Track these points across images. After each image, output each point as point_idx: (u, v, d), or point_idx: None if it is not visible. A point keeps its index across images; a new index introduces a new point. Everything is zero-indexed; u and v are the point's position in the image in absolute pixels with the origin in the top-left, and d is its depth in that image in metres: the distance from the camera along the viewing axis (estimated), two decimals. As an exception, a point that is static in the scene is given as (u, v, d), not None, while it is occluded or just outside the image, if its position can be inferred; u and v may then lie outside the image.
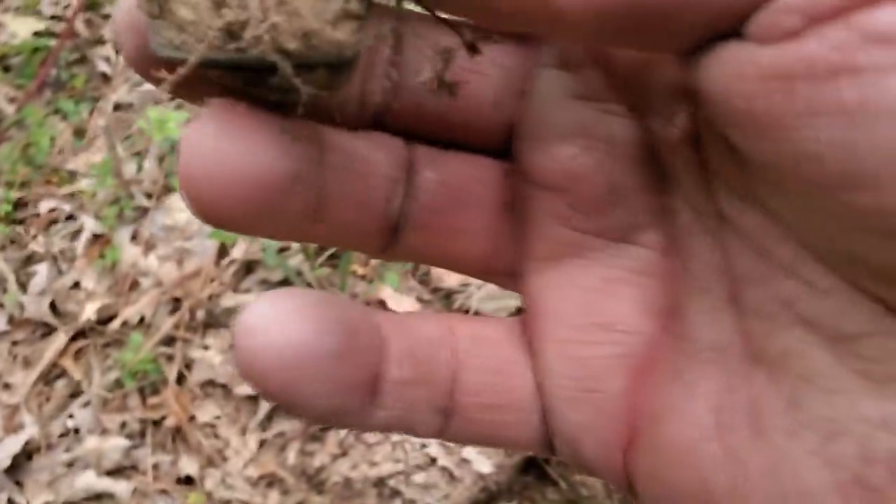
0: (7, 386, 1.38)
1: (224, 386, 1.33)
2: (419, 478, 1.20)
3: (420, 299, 1.32)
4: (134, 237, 1.53)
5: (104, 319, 1.43)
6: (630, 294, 0.24)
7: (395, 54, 0.21)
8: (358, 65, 0.19)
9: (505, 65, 0.24)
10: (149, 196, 1.57)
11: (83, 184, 1.62)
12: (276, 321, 0.20)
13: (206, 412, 1.31)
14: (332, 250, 1.41)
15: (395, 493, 1.20)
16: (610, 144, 0.23)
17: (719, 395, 0.21)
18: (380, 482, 1.20)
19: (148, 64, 0.19)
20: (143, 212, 1.56)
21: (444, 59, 0.22)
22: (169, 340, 1.39)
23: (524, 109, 0.24)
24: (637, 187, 0.23)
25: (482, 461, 1.19)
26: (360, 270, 1.37)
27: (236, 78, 0.19)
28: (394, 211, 0.24)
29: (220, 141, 0.19)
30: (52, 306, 1.45)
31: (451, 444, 1.21)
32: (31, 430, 1.31)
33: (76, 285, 1.48)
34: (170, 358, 1.37)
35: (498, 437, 0.24)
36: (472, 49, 0.21)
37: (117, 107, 1.75)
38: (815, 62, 0.15)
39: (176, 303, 1.42)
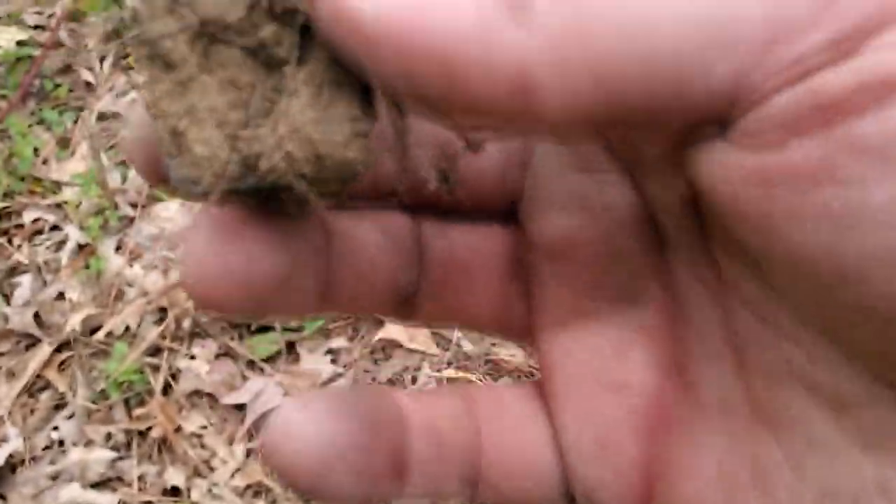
0: (-9, 398, 1.36)
1: (210, 395, 1.33)
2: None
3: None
4: (119, 247, 1.52)
5: (89, 330, 1.42)
6: (639, 354, 0.24)
7: (398, 143, 0.21)
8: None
9: (505, 141, 0.25)
10: (134, 205, 1.57)
11: (67, 193, 1.61)
12: (302, 426, 0.22)
13: (193, 422, 1.30)
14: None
15: (384, 501, 1.20)
16: (609, 212, 0.24)
17: (727, 453, 0.22)
18: (368, 491, 1.20)
19: (161, 179, 0.21)
20: (128, 221, 1.55)
21: (447, 159, 0.23)
22: (155, 350, 1.38)
23: (526, 181, 0.25)
24: (638, 251, 0.24)
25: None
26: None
27: (251, 197, 0.20)
28: (404, 285, 0.25)
29: (214, 244, 0.20)
30: (37, 317, 1.44)
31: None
32: (15, 443, 1.30)
33: (61, 296, 1.47)
34: (156, 368, 1.36)
35: (524, 499, 0.25)
36: (474, 147, 0.22)
37: (101, 116, 1.75)
38: (799, 172, 0.16)
39: (162, 312, 1.42)
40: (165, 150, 0.19)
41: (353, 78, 0.19)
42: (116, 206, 1.56)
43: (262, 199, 0.20)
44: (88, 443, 1.30)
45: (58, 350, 1.41)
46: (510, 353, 1.32)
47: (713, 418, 0.22)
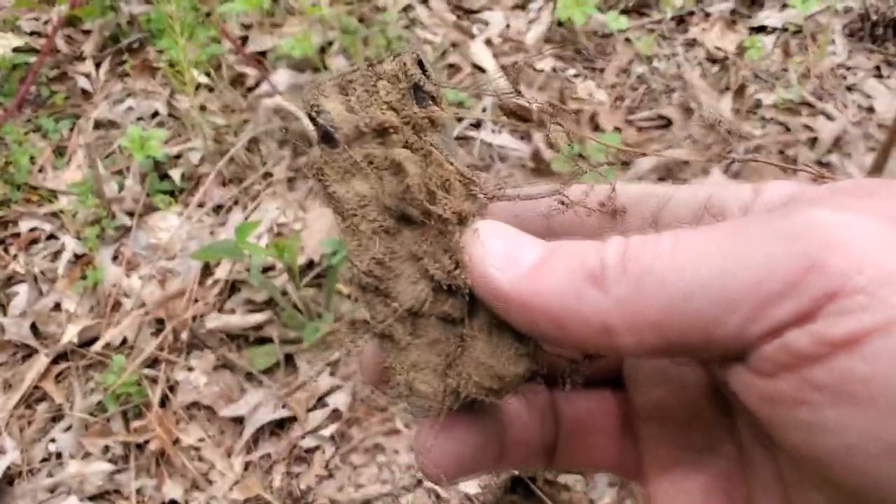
0: (-13, 410, 1.36)
1: (209, 408, 1.32)
2: (406, 499, 1.20)
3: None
4: (116, 257, 1.52)
5: (86, 341, 1.41)
6: (720, 495, 0.32)
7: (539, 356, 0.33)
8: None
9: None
10: (130, 215, 1.56)
11: (64, 202, 1.60)
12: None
13: (191, 435, 1.30)
14: (317, 270, 1.40)
15: (382, 514, 1.20)
16: (686, 387, 0.34)
17: None
18: (366, 504, 1.19)
19: (382, 385, 0.33)
20: (125, 231, 1.55)
21: (574, 368, 0.33)
22: (152, 362, 1.37)
23: (625, 362, 0.36)
24: (712, 416, 0.33)
25: (469, 482, 1.19)
26: (346, 290, 1.37)
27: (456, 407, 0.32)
28: (547, 441, 0.36)
29: (438, 439, 0.32)
30: (33, 328, 1.44)
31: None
32: (12, 455, 1.30)
33: (57, 306, 1.46)
34: (153, 380, 1.35)
35: None
36: (583, 366, 0.33)
37: (98, 124, 1.74)
38: (784, 396, 0.25)
39: (159, 324, 1.41)
40: (399, 392, 0.31)
41: None
42: (113, 216, 1.56)
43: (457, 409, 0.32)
44: (86, 455, 1.30)
45: (55, 361, 1.40)
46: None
47: None
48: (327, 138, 0.31)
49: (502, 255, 0.29)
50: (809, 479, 0.28)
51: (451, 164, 0.31)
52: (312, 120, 0.31)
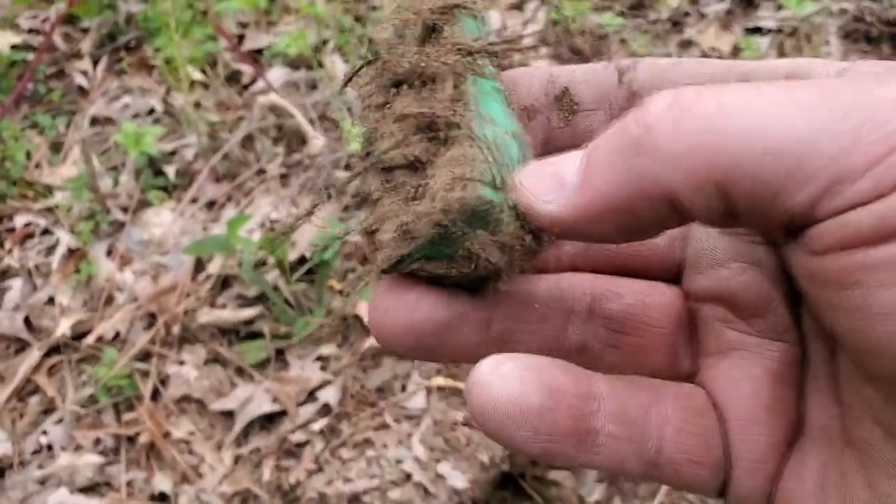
0: (-20, 402, 1.36)
1: (199, 401, 1.33)
2: (394, 494, 1.20)
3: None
4: (109, 252, 1.52)
5: (79, 335, 1.42)
6: (780, 383, 0.31)
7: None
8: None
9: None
10: (125, 210, 1.57)
11: (59, 198, 1.61)
12: (493, 381, 0.28)
13: (181, 428, 1.30)
14: (308, 265, 1.41)
15: (371, 508, 1.20)
16: (757, 266, 0.32)
17: (822, 468, 0.29)
18: (355, 498, 1.20)
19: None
20: (119, 226, 1.55)
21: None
22: (144, 356, 1.38)
23: (688, 248, 0.33)
24: (779, 298, 0.31)
25: (457, 477, 1.19)
26: (337, 286, 1.37)
27: (447, 279, 0.29)
28: (575, 338, 0.32)
29: (389, 300, 0.29)
30: (27, 321, 1.44)
31: (426, 460, 1.21)
32: (3, 447, 1.30)
33: (51, 300, 1.47)
34: (145, 373, 1.36)
35: (692, 486, 0.31)
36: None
37: (94, 121, 1.75)
38: (836, 274, 0.24)
39: (151, 318, 1.42)
40: (371, 252, 0.29)
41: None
42: (108, 211, 1.56)
43: (457, 282, 0.29)
44: (77, 448, 1.30)
45: (47, 354, 1.41)
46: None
47: (815, 439, 0.29)
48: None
49: (544, 187, 0.27)
50: (861, 371, 0.27)
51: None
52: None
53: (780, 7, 1.91)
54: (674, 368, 0.33)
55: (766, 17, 1.90)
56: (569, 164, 0.27)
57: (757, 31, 1.88)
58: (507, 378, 0.27)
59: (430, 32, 0.30)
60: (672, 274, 0.34)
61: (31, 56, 1.83)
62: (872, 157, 0.22)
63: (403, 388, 1.29)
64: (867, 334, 0.23)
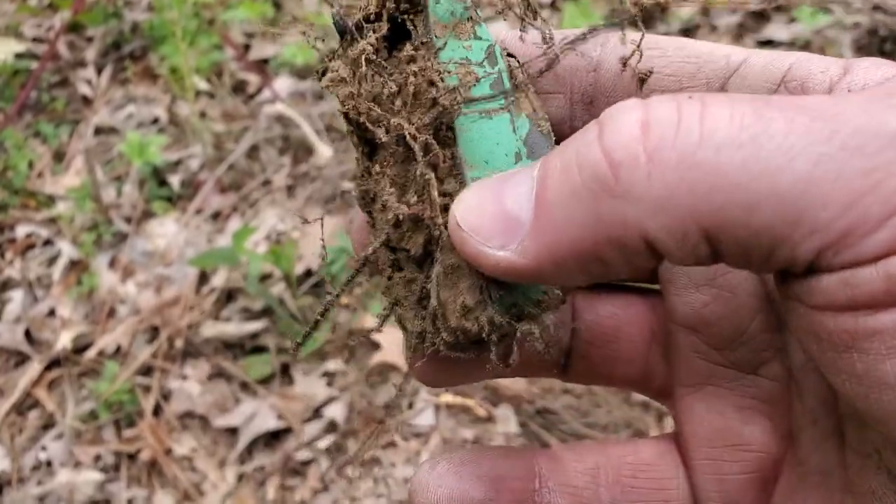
0: (-22, 416, 1.33)
1: (202, 417, 1.30)
2: (402, 514, 1.17)
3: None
4: (112, 263, 1.50)
5: (80, 348, 1.39)
6: (759, 420, 0.29)
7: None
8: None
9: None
10: (128, 221, 1.54)
11: (61, 208, 1.59)
12: (431, 483, 0.28)
13: (184, 445, 1.27)
14: (314, 280, 1.38)
15: (377, 529, 1.17)
16: (734, 294, 0.29)
17: None
18: (361, 519, 1.17)
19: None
20: (122, 237, 1.53)
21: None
22: (146, 370, 1.35)
23: (663, 266, 0.30)
24: (759, 328, 0.29)
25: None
26: (344, 300, 1.35)
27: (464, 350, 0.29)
28: (562, 347, 0.32)
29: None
30: (27, 334, 1.42)
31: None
32: (2, 463, 1.27)
33: (52, 313, 1.44)
34: (147, 388, 1.33)
35: None
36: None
37: (98, 130, 1.73)
38: (835, 335, 0.21)
39: (154, 331, 1.39)
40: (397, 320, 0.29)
41: None
42: (111, 222, 1.54)
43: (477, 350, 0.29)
44: (77, 464, 1.27)
45: (47, 368, 1.38)
46: (510, 380, 1.30)
47: (813, 484, 0.27)
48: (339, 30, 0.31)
49: (490, 229, 0.23)
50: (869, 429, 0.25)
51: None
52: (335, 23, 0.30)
53: (792, 20, 1.89)
54: (645, 382, 0.32)
55: (778, 30, 1.88)
56: (515, 198, 0.23)
57: (769, 43, 1.86)
58: (444, 477, 0.28)
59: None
60: (648, 277, 0.32)
61: (34, 64, 1.81)
62: (893, 205, 0.19)
63: (411, 406, 1.27)
64: (870, 401, 0.21)
